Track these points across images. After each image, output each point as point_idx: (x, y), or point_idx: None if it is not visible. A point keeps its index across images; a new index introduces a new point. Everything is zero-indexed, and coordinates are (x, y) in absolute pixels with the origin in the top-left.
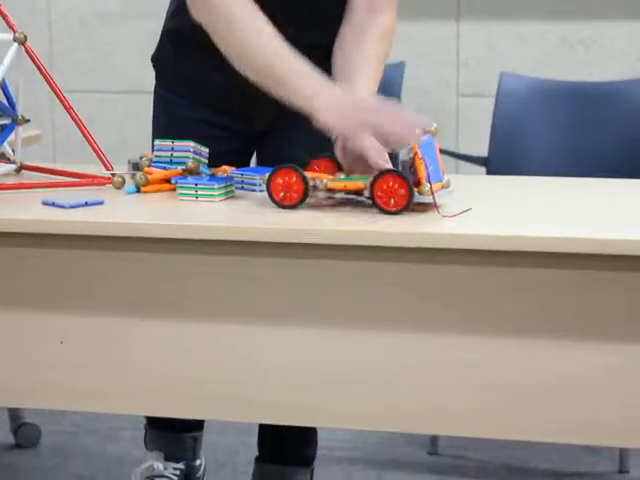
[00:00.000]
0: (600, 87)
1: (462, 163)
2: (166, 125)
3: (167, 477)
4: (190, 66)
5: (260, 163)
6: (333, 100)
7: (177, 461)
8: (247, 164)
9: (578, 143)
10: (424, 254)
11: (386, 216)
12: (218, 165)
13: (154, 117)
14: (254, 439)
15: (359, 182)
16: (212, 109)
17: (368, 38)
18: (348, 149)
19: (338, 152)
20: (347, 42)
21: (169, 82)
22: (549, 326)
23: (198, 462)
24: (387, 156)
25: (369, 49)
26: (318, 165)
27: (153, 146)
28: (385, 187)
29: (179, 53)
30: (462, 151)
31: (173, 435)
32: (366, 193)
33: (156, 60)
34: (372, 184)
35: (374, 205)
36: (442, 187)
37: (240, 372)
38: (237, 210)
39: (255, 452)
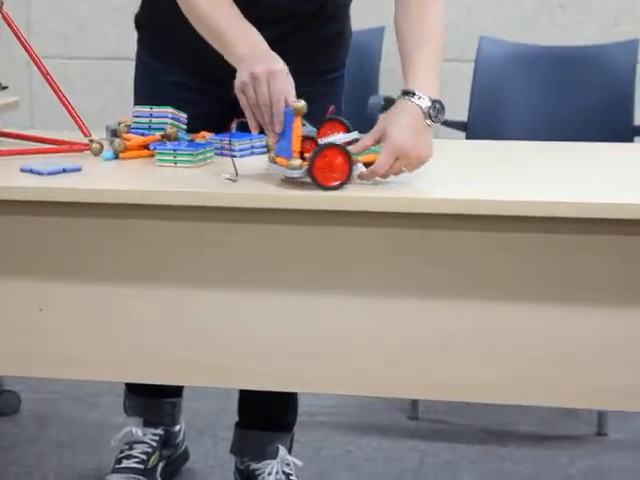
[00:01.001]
0: (578, 51)
1: (441, 128)
2: (146, 88)
3: (146, 443)
4: (168, 29)
5: (241, 128)
6: (256, 56)
7: (156, 427)
8: (228, 128)
9: (557, 107)
10: (407, 219)
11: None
12: (199, 128)
13: (135, 80)
14: (234, 405)
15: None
16: (191, 72)
17: (414, 11)
18: None
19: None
20: (400, 26)
21: (149, 45)
22: (535, 289)
23: (177, 428)
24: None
25: (416, 23)
26: (331, 129)
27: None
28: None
29: (157, 16)
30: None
31: (152, 401)
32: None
33: (137, 23)
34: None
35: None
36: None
37: (220, 339)
38: (216, 176)
39: (235, 418)
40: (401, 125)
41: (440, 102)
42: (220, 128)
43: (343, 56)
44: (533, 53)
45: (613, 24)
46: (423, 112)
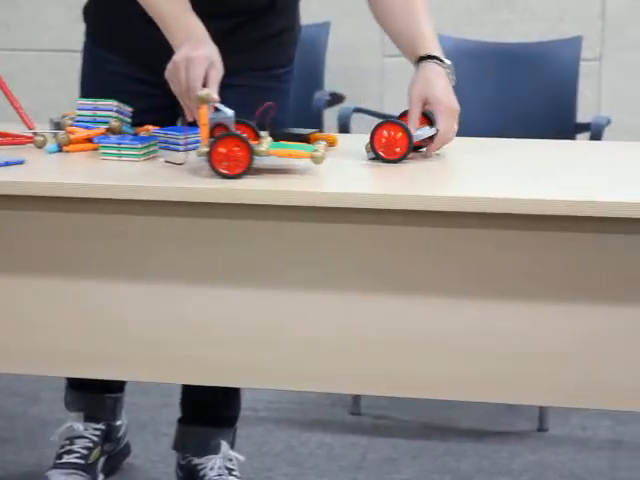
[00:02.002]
0: (523, 48)
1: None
2: (94, 81)
3: (87, 437)
4: (118, 19)
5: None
6: (191, 43)
7: (97, 421)
8: (174, 122)
9: (500, 103)
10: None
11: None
12: (150, 121)
13: (82, 73)
14: (176, 400)
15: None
16: (140, 64)
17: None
18: None
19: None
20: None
21: (98, 36)
22: (490, 286)
23: (119, 422)
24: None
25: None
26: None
27: None
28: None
29: (106, 6)
30: (387, 111)
31: (93, 396)
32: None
33: (86, 13)
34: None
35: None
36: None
37: (161, 331)
38: (160, 170)
39: (177, 413)
40: (442, 87)
41: (453, 65)
42: (171, 121)
43: (292, 52)
44: (478, 49)
45: (558, 21)
46: (447, 74)
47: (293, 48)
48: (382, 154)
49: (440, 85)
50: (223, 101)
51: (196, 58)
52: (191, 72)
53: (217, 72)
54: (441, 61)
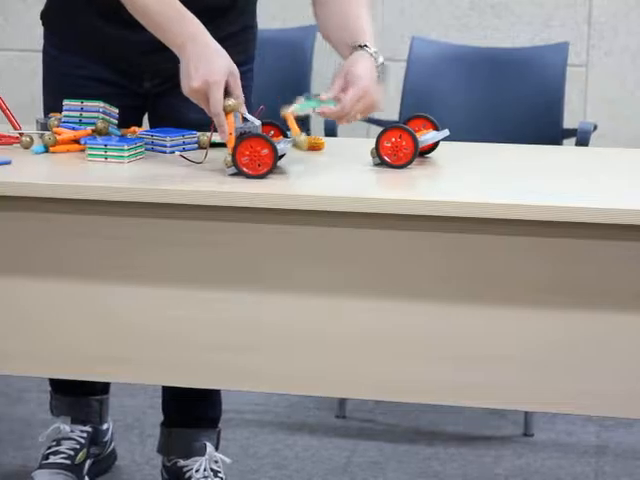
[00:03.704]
0: (510, 53)
1: (373, 127)
2: (55, 85)
3: (74, 439)
4: (81, 19)
5: (154, 123)
6: (198, 52)
7: (84, 424)
8: (139, 123)
9: (487, 108)
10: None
11: (299, 182)
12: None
13: (45, 78)
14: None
15: None
16: (105, 66)
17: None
18: None
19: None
20: (329, 10)
21: (59, 38)
22: (474, 290)
23: (105, 426)
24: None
25: (348, 6)
26: (418, 126)
27: (45, 109)
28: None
29: (65, 8)
30: (374, 115)
31: (78, 399)
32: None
33: (45, 16)
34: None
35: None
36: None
37: (142, 333)
38: (146, 171)
39: (162, 415)
40: (364, 67)
41: (385, 65)
42: (138, 121)
43: (253, 49)
44: (465, 54)
45: (544, 26)
46: (376, 65)
47: (253, 46)
48: (388, 159)
49: (363, 66)
50: (187, 100)
51: (214, 83)
52: (212, 98)
53: (235, 79)
54: (372, 56)
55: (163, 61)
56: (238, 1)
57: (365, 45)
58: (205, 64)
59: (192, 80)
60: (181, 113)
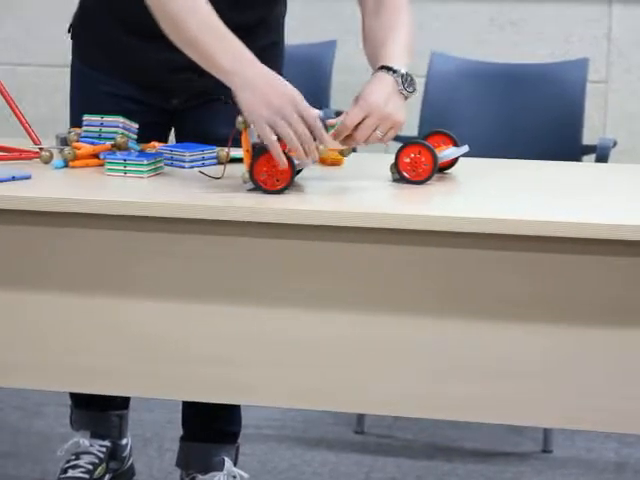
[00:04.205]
0: (529, 68)
1: (391, 143)
2: (85, 102)
3: (93, 454)
4: (110, 36)
5: (182, 139)
6: (250, 79)
7: (103, 439)
8: (165, 139)
9: (507, 124)
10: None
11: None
12: (138, 141)
13: (72, 93)
14: (180, 416)
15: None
16: (129, 82)
17: (383, 16)
18: None
19: None
20: (371, 31)
21: (87, 53)
22: (471, 305)
23: (124, 441)
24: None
25: (387, 21)
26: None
27: (71, 122)
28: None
29: (93, 24)
30: None
31: (98, 413)
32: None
33: (74, 32)
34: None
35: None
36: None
37: (159, 348)
38: (165, 186)
39: (181, 430)
40: (374, 86)
41: (411, 75)
42: (159, 139)
43: (280, 65)
44: (484, 70)
45: (564, 42)
46: (396, 81)
47: (281, 62)
48: (407, 175)
49: (373, 86)
50: (216, 115)
51: (300, 101)
52: (307, 117)
53: (309, 111)
54: (395, 72)
55: (193, 79)
56: (266, 18)
57: (387, 67)
58: (276, 88)
59: (271, 98)
60: (211, 128)
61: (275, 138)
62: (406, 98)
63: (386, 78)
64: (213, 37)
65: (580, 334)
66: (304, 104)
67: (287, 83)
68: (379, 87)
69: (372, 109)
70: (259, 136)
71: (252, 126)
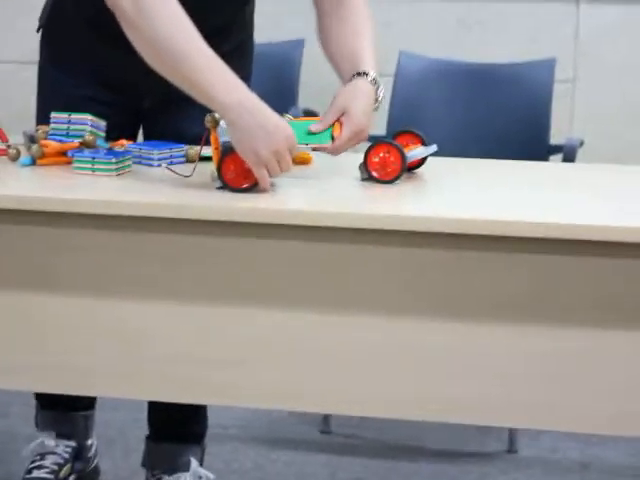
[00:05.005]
0: (496, 68)
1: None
2: (49, 101)
3: (58, 454)
4: (81, 40)
5: (150, 138)
6: (243, 118)
7: (68, 439)
8: (134, 138)
9: (475, 124)
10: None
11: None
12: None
13: (39, 95)
14: (145, 415)
15: None
16: (100, 85)
17: (346, 17)
18: None
19: None
20: (334, 32)
21: (56, 55)
22: (453, 306)
23: (90, 441)
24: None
25: (352, 24)
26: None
27: (37, 122)
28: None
29: (62, 25)
30: None
31: (64, 414)
32: None
33: (43, 31)
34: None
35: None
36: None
37: (126, 347)
38: (134, 185)
39: (147, 429)
40: (360, 106)
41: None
42: (128, 138)
43: (250, 62)
44: (452, 69)
45: (531, 42)
46: (374, 89)
47: (252, 58)
48: (375, 175)
49: (359, 104)
50: (186, 115)
51: (283, 154)
52: (283, 166)
53: (295, 148)
54: (373, 80)
55: (164, 80)
56: (238, 17)
57: (365, 73)
58: (276, 130)
59: (273, 141)
60: (183, 128)
61: (266, 172)
62: (376, 108)
63: (367, 88)
64: (207, 68)
65: (551, 335)
66: (294, 141)
67: (280, 117)
68: (363, 101)
69: (359, 131)
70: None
71: (222, 125)
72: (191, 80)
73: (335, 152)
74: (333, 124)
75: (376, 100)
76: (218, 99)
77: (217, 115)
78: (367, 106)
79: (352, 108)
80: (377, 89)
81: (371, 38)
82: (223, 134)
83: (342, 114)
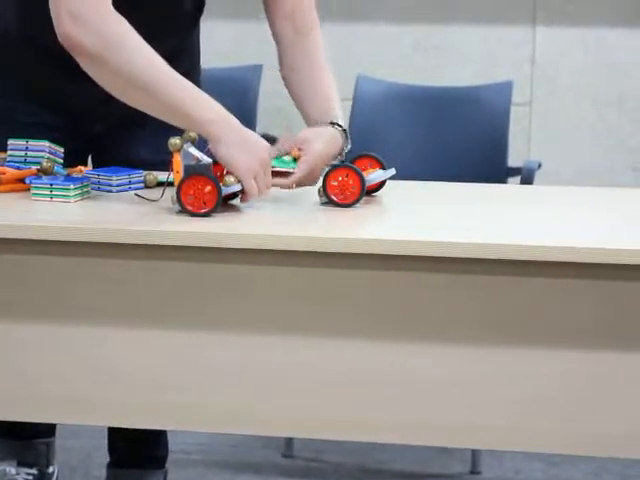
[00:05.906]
0: (454, 92)
1: None
2: (3, 129)
3: None
4: (31, 69)
5: (102, 163)
6: (227, 133)
7: (30, 467)
8: (85, 164)
9: (433, 147)
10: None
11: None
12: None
13: None
14: (106, 442)
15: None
16: (51, 112)
17: (306, 51)
18: None
19: None
20: (297, 65)
21: (4, 85)
22: (436, 330)
23: (51, 469)
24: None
25: (320, 75)
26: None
27: None
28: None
29: (18, 54)
30: None
31: (25, 442)
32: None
33: None
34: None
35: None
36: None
37: (86, 373)
38: (92, 211)
39: (108, 456)
40: (322, 149)
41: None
42: (80, 164)
43: (200, 87)
44: (410, 93)
45: (489, 65)
46: (342, 146)
47: (200, 82)
48: (335, 198)
49: (327, 147)
50: (143, 140)
51: (267, 166)
52: (268, 177)
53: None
54: (340, 126)
55: (117, 106)
56: (184, 45)
57: (338, 124)
58: (247, 149)
59: (259, 151)
60: (133, 153)
61: (254, 182)
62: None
63: (338, 138)
64: (174, 86)
65: (520, 357)
66: (271, 153)
67: (259, 145)
68: (328, 146)
69: (314, 172)
70: (197, 159)
71: (188, 149)
72: (171, 106)
73: (288, 187)
74: (288, 152)
75: (340, 154)
76: (203, 118)
77: (192, 134)
78: (330, 152)
79: (313, 147)
80: (345, 142)
81: (332, 77)
82: (187, 158)
83: (300, 147)
